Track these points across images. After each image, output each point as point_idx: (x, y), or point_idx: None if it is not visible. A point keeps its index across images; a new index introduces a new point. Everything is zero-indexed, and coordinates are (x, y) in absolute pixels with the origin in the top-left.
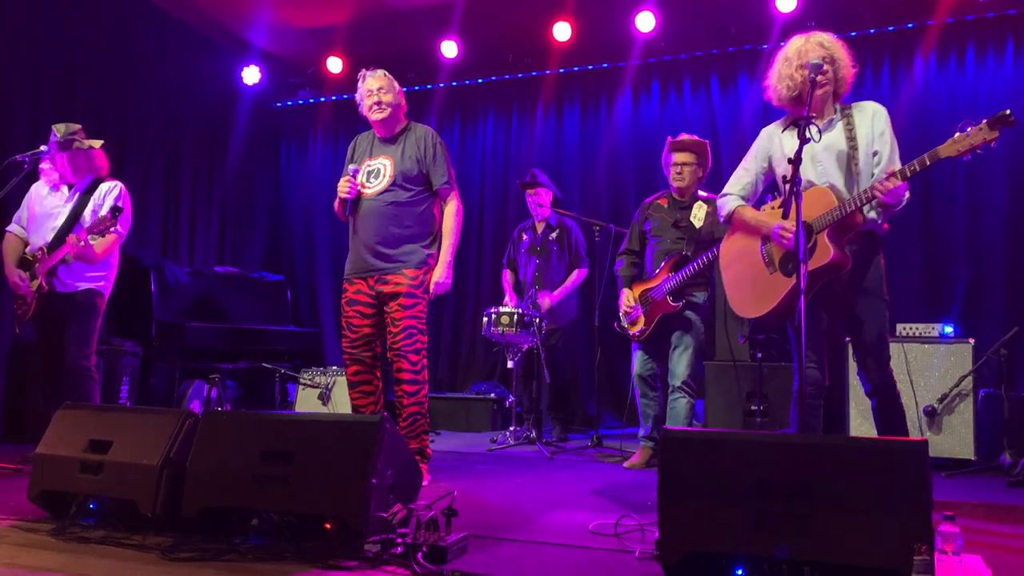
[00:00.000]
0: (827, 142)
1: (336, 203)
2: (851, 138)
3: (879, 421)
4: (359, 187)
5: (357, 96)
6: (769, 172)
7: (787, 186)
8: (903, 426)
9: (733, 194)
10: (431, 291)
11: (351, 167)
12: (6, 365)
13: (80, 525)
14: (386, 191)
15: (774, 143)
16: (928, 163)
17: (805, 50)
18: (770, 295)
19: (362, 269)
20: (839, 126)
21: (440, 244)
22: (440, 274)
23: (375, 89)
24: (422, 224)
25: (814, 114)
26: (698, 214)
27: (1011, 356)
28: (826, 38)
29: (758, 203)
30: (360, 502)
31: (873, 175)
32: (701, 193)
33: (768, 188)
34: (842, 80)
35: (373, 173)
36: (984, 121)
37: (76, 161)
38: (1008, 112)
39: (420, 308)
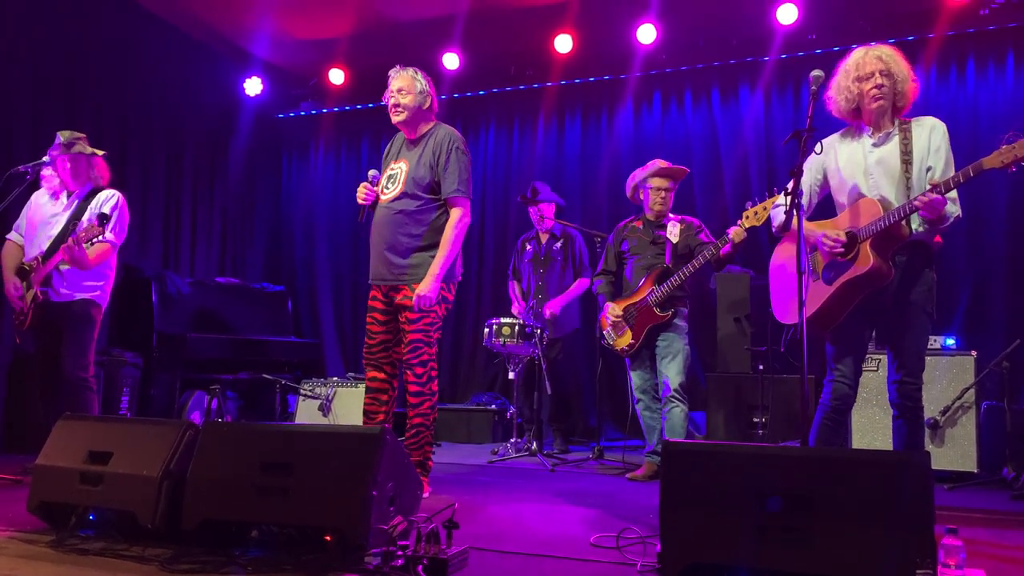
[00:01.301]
0: (881, 155)
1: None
2: (906, 152)
3: (898, 434)
4: (379, 192)
5: (384, 96)
6: (824, 185)
7: (788, 198)
8: (921, 443)
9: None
10: (414, 304)
11: (372, 173)
12: (6, 376)
13: (79, 537)
14: (397, 199)
15: (830, 155)
16: (972, 174)
17: (863, 63)
18: (810, 303)
19: (377, 276)
20: (895, 140)
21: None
22: (425, 286)
23: (395, 90)
24: (432, 234)
25: (869, 127)
26: (673, 231)
27: (1013, 369)
28: (886, 51)
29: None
30: (360, 514)
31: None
32: (671, 215)
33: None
34: (900, 94)
35: (392, 178)
36: None
37: (77, 165)
38: None
39: (428, 321)
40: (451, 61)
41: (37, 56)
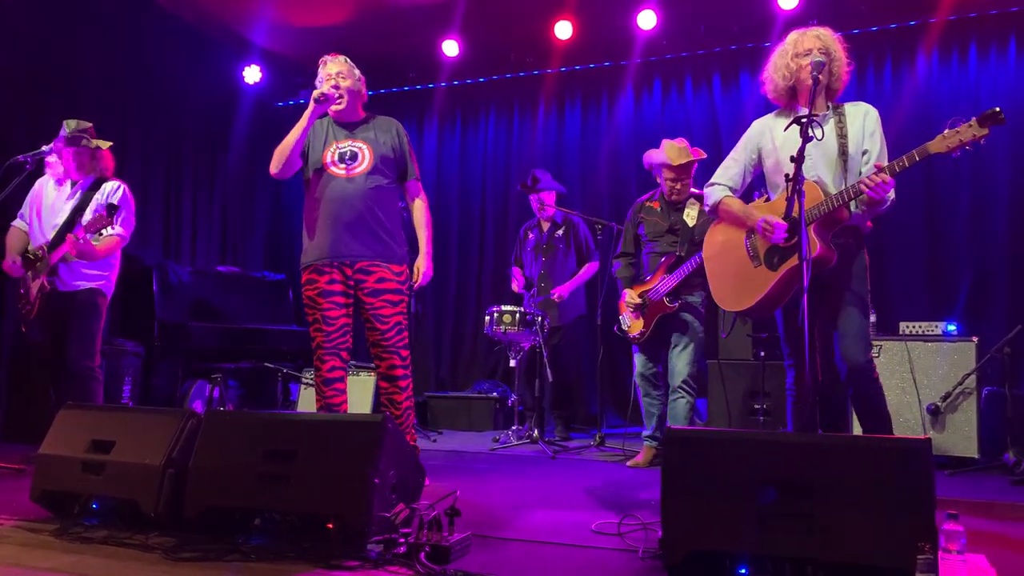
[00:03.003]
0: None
1: (307, 117)
2: (842, 136)
3: (858, 408)
4: (326, 165)
5: (316, 81)
6: (758, 164)
7: (790, 184)
8: (883, 412)
9: (721, 184)
10: (419, 282)
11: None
12: (8, 365)
13: (83, 525)
14: (370, 174)
15: (765, 136)
16: (917, 159)
17: (801, 40)
18: (754, 289)
19: (338, 255)
20: (831, 123)
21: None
22: (426, 264)
23: (333, 74)
24: (398, 216)
25: (804, 109)
26: (691, 212)
27: (1015, 354)
28: (823, 32)
29: (746, 197)
30: (362, 502)
31: (861, 173)
32: (694, 190)
33: (757, 183)
34: (836, 77)
35: (348, 155)
36: (974, 118)
37: (81, 158)
38: (998, 110)
39: (404, 303)
40: (451, 48)
41: (37, 44)
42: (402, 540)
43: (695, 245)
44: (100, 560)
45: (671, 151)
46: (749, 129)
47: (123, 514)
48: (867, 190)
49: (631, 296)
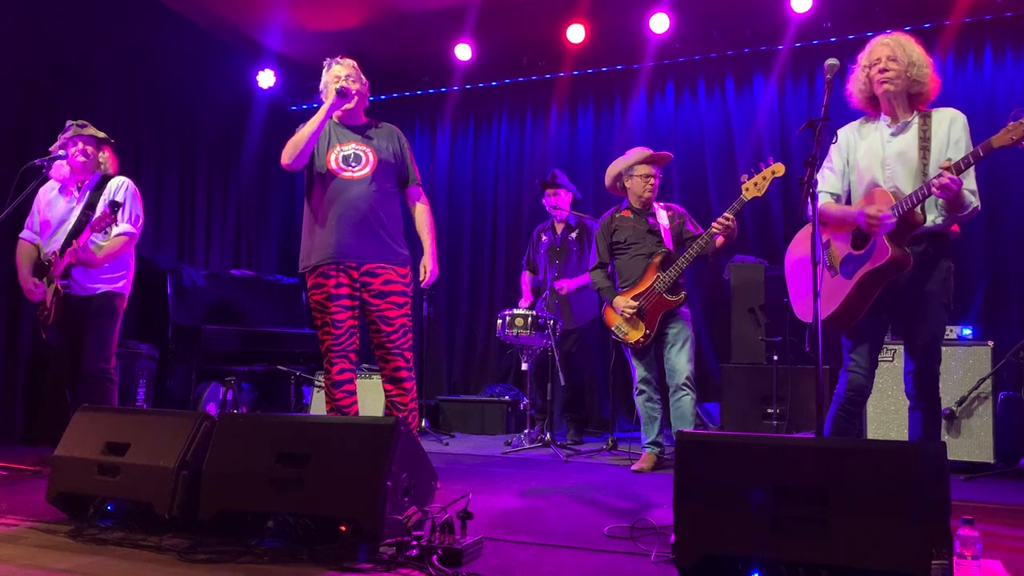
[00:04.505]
0: (899, 147)
1: (327, 109)
2: (924, 140)
3: (914, 425)
4: (332, 167)
5: (322, 83)
6: (858, 169)
7: (804, 188)
8: (937, 434)
9: (823, 191)
10: (426, 281)
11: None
12: (27, 369)
13: (98, 527)
14: (374, 176)
15: (850, 145)
16: (982, 154)
17: (872, 50)
18: (830, 299)
19: (344, 256)
20: (913, 129)
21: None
22: (432, 263)
23: (343, 76)
24: (400, 219)
25: (887, 117)
26: (662, 217)
27: None
28: (895, 37)
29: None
30: (375, 504)
31: None
32: (655, 203)
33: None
34: (915, 81)
35: (352, 158)
36: None
37: (88, 147)
38: None
39: (409, 306)
40: (463, 52)
41: (53, 49)
42: (414, 543)
43: (677, 245)
44: (115, 561)
45: (646, 151)
46: (836, 137)
47: (138, 516)
48: (935, 190)
49: (627, 303)
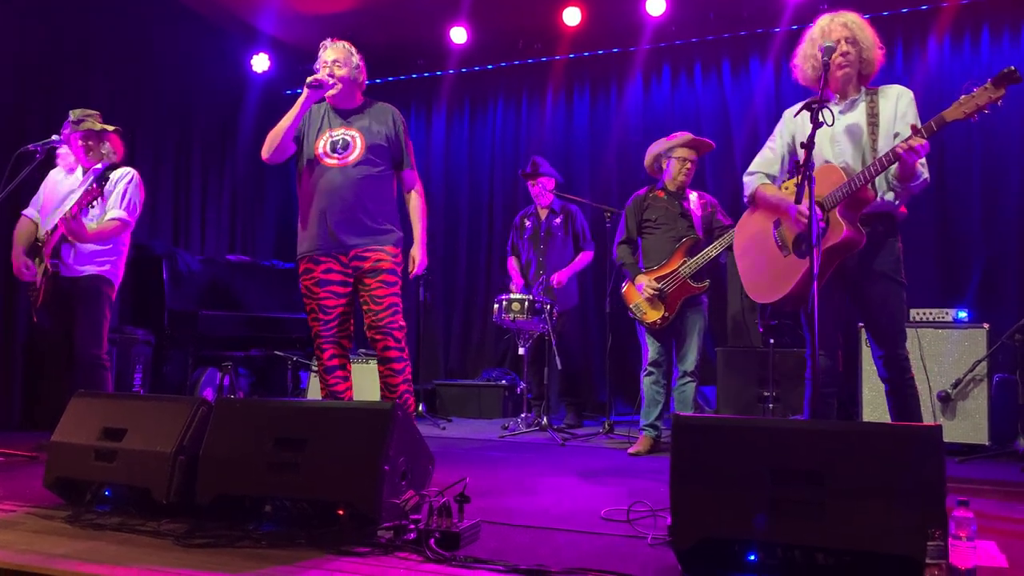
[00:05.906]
0: (847, 123)
1: (300, 103)
2: (872, 120)
3: (892, 406)
4: (318, 155)
5: (315, 66)
6: (794, 152)
7: (801, 171)
8: (916, 411)
9: (759, 172)
10: (414, 271)
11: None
12: (24, 354)
13: (95, 512)
14: (360, 163)
15: (797, 124)
16: (935, 128)
17: (829, 30)
18: (785, 279)
19: (334, 245)
20: (861, 107)
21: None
22: (421, 253)
23: (329, 61)
24: (392, 201)
25: (836, 95)
26: (695, 203)
27: None
28: (851, 18)
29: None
30: (372, 488)
31: None
32: (688, 189)
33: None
34: (867, 62)
35: (340, 144)
36: (989, 80)
37: (88, 141)
38: (1013, 68)
39: (399, 286)
40: (459, 35)
41: (48, 33)
42: (412, 526)
43: (706, 233)
44: (113, 546)
45: (688, 135)
46: (782, 118)
47: (135, 501)
48: (902, 152)
49: (650, 283)
